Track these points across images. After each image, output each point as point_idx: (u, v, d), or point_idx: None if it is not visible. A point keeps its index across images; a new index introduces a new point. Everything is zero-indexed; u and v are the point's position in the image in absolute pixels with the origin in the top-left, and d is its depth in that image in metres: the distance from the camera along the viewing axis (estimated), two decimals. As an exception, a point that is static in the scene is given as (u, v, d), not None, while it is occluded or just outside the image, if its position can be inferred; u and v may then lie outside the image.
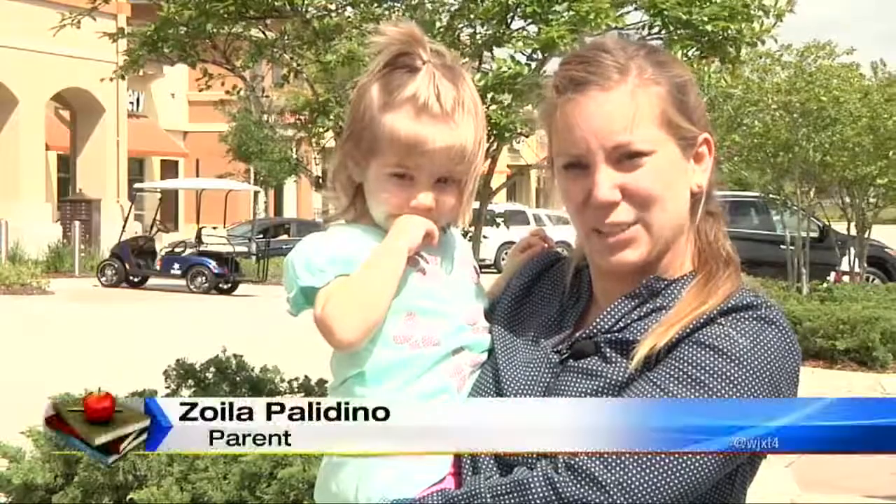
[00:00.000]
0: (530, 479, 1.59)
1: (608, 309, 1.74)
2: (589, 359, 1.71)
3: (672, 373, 1.61)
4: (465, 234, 4.97)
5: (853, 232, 19.96)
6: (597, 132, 1.66)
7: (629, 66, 1.69)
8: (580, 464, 1.57)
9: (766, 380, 1.61)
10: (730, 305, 1.66)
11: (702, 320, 1.65)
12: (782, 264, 18.77)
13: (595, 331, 1.73)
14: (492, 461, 1.69)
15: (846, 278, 20.09)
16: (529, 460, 1.63)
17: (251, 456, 4.42)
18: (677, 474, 1.56)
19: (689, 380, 1.60)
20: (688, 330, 1.65)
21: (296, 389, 6.47)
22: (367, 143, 1.78)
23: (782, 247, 19.94)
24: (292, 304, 1.77)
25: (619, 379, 1.66)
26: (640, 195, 1.67)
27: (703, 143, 1.74)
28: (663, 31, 5.50)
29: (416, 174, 1.76)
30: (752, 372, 1.60)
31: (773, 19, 5.74)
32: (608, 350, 1.70)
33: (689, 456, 1.55)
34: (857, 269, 20.04)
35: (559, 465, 1.58)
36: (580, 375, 1.70)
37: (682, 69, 1.75)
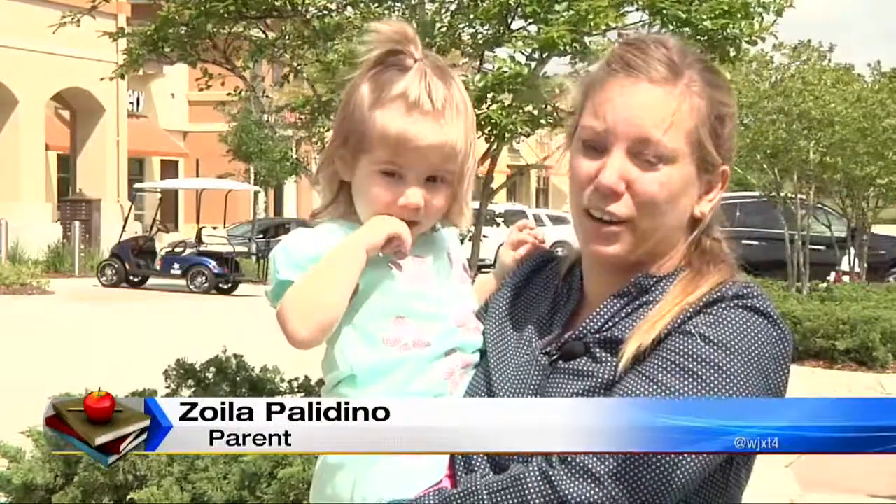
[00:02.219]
0: (526, 475, 1.59)
1: (597, 309, 1.74)
2: (579, 359, 1.71)
3: (661, 364, 1.62)
4: (462, 239, 4.98)
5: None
6: (629, 118, 1.67)
7: (683, 71, 1.69)
8: (574, 457, 1.57)
9: (755, 367, 1.61)
10: (716, 296, 1.66)
11: (689, 312, 1.66)
12: (813, 264, 18.81)
13: (584, 331, 1.73)
14: (485, 460, 1.70)
15: (846, 278, 20.09)
16: (524, 461, 1.64)
17: (251, 456, 4.42)
18: (672, 465, 1.56)
19: (679, 369, 1.60)
20: (676, 322, 1.65)
21: (296, 389, 6.47)
22: (357, 140, 1.77)
23: (810, 247, 20.01)
24: (271, 296, 1.76)
25: (610, 378, 1.66)
26: (643, 196, 1.67)
27: (719, 175, 1.75)
28: (663, 31, 5.50)
29: (406, 172, 1.75)
30: (740, 359, 1.60)
31: (772, 16, 5.74)
32: (597, 350, 1.70)
33: None
34: (857, 269, 20.04)
35: (553, 460, 1.59)
36: (570, 376, 1.70)
37: (728, 97, 1.76)
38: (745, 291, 1.67)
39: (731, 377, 1.59)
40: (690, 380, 1.59)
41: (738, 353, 1.60)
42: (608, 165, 1.67)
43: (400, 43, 1.76)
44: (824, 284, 18.18)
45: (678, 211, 1.71)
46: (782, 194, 18.73)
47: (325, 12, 6.17)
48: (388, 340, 1.73)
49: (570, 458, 1.58)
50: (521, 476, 1.59)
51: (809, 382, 11.38)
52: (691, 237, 1.75)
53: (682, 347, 1.62)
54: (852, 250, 20.44)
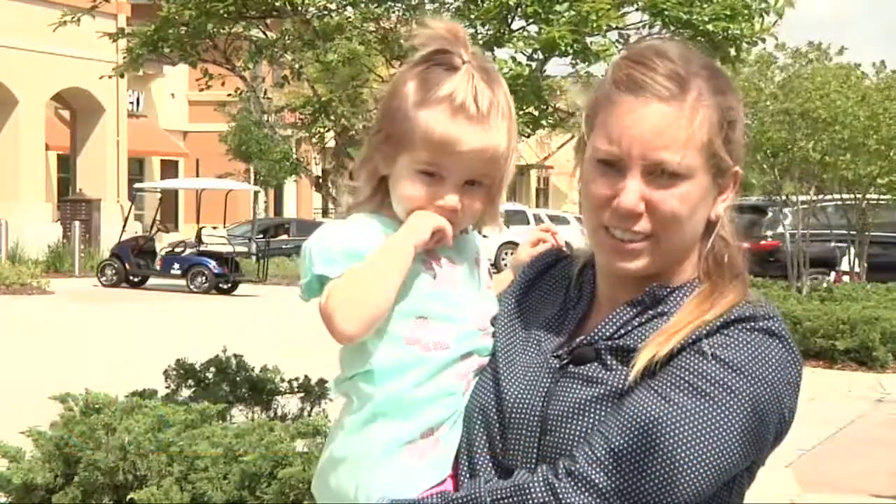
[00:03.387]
0: (531, 484, 1.58)
1: (610, 316, 1.73)
2: (589, 365, 1.70)
3: (673, 381, 1.61)
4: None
5: (853, 232, 19.94)
6: (644, 141, 1.65)
7: (691, 84, 1.67)
8: (581, 470, 1.57)
9: (768, 391, 1.60)
10: (732, 317, 1.65)
11: (704, 330, 1.64)
12: None
13: (596, 337, 1.72)
14: (490, 465, 1.70)
15: (846, 278, 20.07)
16: (529, 468, 1.64)
17: (251, 456, 4.42)
18: (676, 484, 1.55)
19: (690, 388, 1.59)
20: (690, 339, 1.64)
21: (296, 389, 6.47)
22: (399, 137, 1.75)
23: None
24: (305, 290, 1.75)
25: (619, 386, 1.65)
26: (663, 215, 1.66)
27: (732, 177, 1.74)
28: (664, 32, 5.49)
29: (446, 174, 1.74)
30: (753, 382, 1.59)
31: (773, 17, 5.74)
32: (608, 357, 1.69)
33: (688, 467, 1.55)
34: (857, 269, 20.02)
35: (559, 471, 1.58)
36: (580, 382, 1.69)
37: (736, 100, 1.74)
38: (761, 313, 1.66)
39: (744, 400, 1.58)
40: (702, 400, 1.58)
41: (751, 376, 1.60)
42: (627, 188, 1.66)
43: (450, 42, 1.75)
44: (824, 284, 18.18)
45: (697, 220, 1.71)
46: (783, 196, 18.73)
47: (325, 12, 6.17)
48: (409, 340, 1.73)
49: (576, 471, 1.57)
50: (526, 485, 1.58)
51: (809, 382, 11.33)
52: (707, 245, 1.74)
53: (695, 367, 1.61)
54: (852, 250, 20.41)
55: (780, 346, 1.64)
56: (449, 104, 1.72)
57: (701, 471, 1.56)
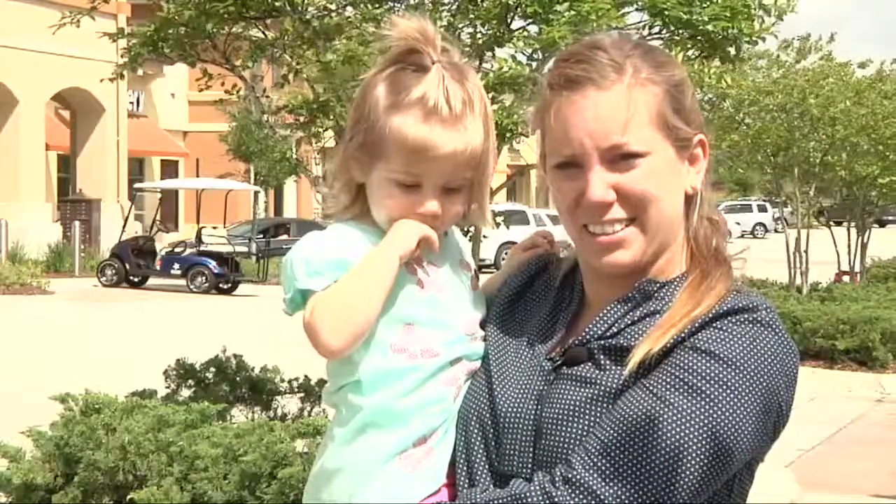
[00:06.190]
0: (528, 493, 1.57)
1: (601, 314, 1.71)
2: (582, 366, 1.68)
3: (668, 379, 1.59)
4: (465, 234, 5.01)
5: (853, 232, 19.92)
6: (592, 132, 1.64)
7: (625, 64, 1.66)
8: (578, 477, 1.55)
9: (764, 384, 1.59)
10: (725, 308, 1.64)
11: (697, 324, 1.63)
12: None
13: (588, 337, 1.70)
14: (487, 473, 1.68)
15: (846, 278, 20.06)
16: (526, 473, 1.62)
17: (251, 456, 4.42)
18: (675, 485, 1.54)
19: (686, 386, 1.57)
20: (683, 334, 1.62)
21: (296, 389, 6.47)
22: (372, 144, 1.71)
23: None
24: (288, 305, 1.72)
25: (614, 386, 1.63)
26: (634, 196, 1.65)
27: (697, 145, 1.72)
28: (664, 31, 5.50)
29: (423, 181, 1.70)
30: (748, 376, 1.58)
31: (773, 18, 5.75)
32: (602, 357, 1.67)
33: (687, 468, 1.54)
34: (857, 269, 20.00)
35: (556, 479, 1.56)
36: (574, 383, 1.67)
37: (678, 69, 1.73)
38: (753, 304, 1.64)
39: (738, 395, 1.57)
40: (697, 397, 1.56)
41: (746, 370, 1.58)
42: (591, 181, 1.64)
43: (419, 42, 1.70)
44: (824, 284, 18.17)
45: (672, 195, 1.69)
46: (782, 195, 18.71)
47: (325, 12, 6.17)
48: (397, 348, 1.70)
49: (572, 478, 1.55)
50: (523, 495, 1.57)
51: (809, 382, 11.37)
52: (691, 223, 1.71)
53: (688, 364, 1.59)
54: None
55: (774, 336, 1.62)
56: (421, 108, 1.68)
57: (700, 470, 1.54)
